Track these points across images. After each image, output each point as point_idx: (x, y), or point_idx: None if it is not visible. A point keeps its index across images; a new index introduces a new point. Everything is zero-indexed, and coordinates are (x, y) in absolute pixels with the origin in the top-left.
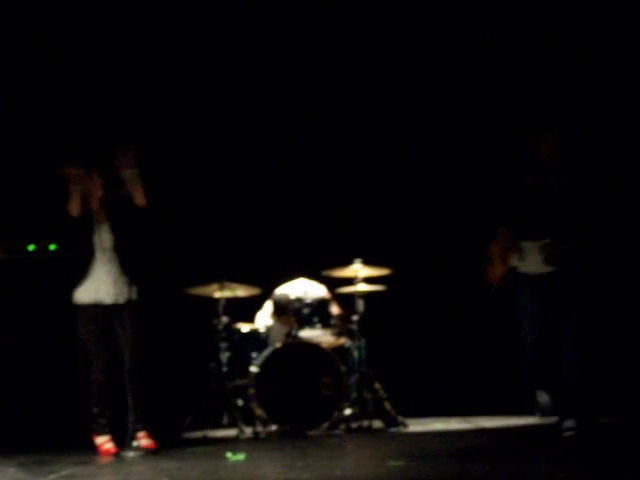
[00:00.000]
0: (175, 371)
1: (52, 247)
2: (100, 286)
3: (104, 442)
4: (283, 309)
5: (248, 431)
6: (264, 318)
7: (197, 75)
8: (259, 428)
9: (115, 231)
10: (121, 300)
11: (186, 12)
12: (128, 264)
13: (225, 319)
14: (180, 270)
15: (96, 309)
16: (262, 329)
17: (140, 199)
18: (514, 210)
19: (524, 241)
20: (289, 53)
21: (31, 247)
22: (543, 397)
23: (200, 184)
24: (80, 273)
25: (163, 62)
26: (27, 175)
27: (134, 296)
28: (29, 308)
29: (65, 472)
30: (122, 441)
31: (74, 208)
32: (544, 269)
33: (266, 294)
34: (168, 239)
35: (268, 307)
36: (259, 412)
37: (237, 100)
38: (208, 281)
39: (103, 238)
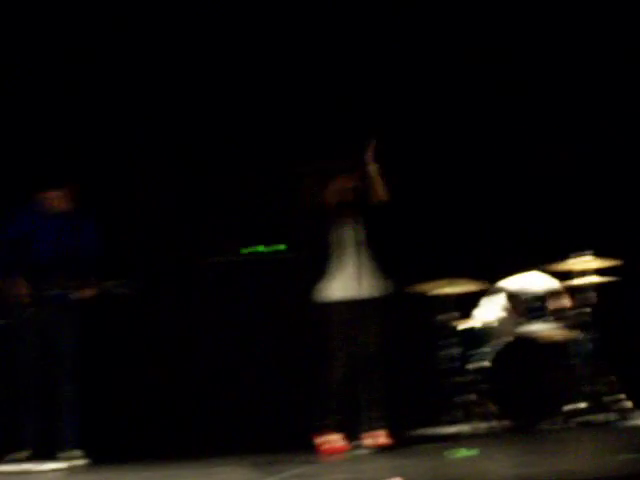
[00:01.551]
0: (402, 368)
1: (282, 247)
2: (346, 282)
3: (336, 440)
4: (515, 302)
5: (479, 426)
6: (487, 313)
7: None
8: (490, 423)
9: (364, 226)
10: (370, 295)
11: None
12: (377, 259)
13: (448, 315)
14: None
15: (342, 306)
16: (481, 325)
17: (382, 194)
18: None
19: None
20: None
21: (244, 250)
22: None
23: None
24: (323, 271)
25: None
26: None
27: (379, 292)
28: (264, 308)
29: (296, 471)
30: (353, 438)
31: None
32: None
33: (486, 290)
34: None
35: (488, 302)
36: (491, 407)
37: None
38: (431, 278)
39: (350, 234)
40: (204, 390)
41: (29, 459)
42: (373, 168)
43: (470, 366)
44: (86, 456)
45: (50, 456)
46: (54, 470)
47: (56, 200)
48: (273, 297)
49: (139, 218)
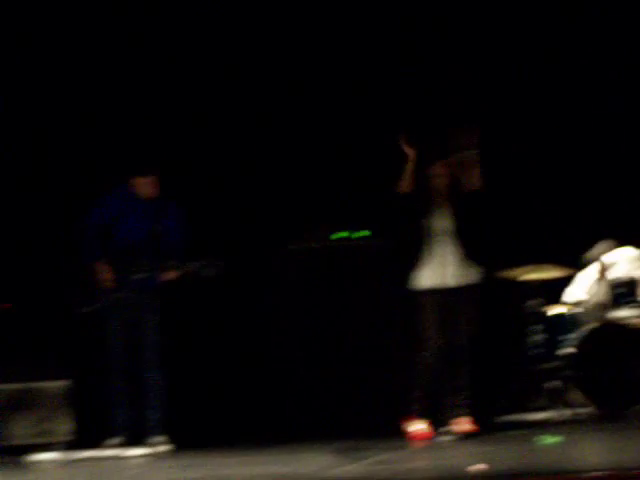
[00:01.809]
0: (486, 354)
1: (365, 233)
2: (441, 270)
3: (420, 426)
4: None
5: (566, 413)
6: (578, 290)
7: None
8: (577, 410)
9: (458, 214)
10: (461, 283)
11: None
12: (471, 247)
13: (535, 301)
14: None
15: (433, 294)
16: (569, 311)
17: (477, 181)
18: None
19: None
20: None
21: (334, 236)
22: None
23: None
24: (411, 258)
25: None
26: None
27: (473, 279)
28: (352, 295)
29: (380, 457)
30: (439, 425)
31: (405, 185)
32: None
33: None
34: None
35: (580, 278)
36: (578, 394)
37: None
38: (519, 264)
39: (441, 221)
40: (289, 376)
41: (121, 445)
42: (471, 155)
43: (558, 352)
44: (171, 442)
45: (137, 442)
46: (139, 456)
47: (143, 186)
48: (361, 284)
49: (225, 202)
